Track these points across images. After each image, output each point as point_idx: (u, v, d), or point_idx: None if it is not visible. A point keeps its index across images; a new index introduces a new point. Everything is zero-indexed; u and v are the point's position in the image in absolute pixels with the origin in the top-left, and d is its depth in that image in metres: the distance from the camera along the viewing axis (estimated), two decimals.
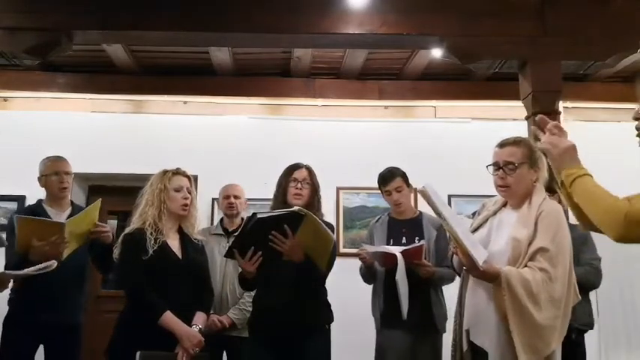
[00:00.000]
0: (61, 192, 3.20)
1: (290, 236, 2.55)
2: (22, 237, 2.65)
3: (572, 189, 1.62)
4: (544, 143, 1.76)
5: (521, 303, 2.06)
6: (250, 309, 3.00)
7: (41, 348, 3.15)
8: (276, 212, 2.58)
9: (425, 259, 3.05)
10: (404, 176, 3.28)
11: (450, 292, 3.03)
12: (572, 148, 1.72)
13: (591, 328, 3.33)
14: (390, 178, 3.25)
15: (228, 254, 2.68)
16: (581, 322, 3.19)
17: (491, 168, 2.33)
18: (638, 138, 1.61)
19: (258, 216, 2.49)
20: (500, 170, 2.29)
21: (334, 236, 2.67)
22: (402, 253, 2.96)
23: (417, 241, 3.17)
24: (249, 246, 2.58)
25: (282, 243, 2.56)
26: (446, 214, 2.11)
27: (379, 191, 3.37)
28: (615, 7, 3.78)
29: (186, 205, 2.73)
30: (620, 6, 3.78)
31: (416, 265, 3.00)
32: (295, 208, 2.55)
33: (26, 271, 2.24)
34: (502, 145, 2.33)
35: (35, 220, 2.81)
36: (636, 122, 1.60)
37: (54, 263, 2.31)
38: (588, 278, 3.20)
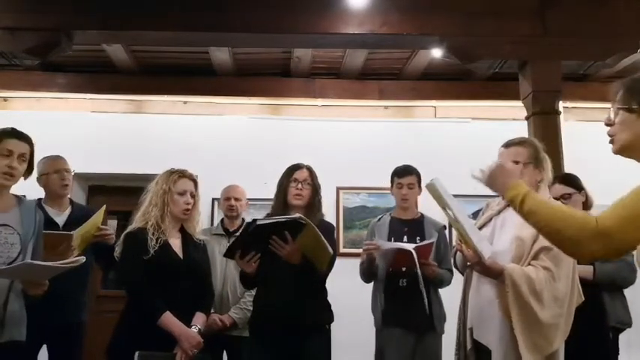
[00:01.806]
0: (62, 189, 3.21)
1: (290, 242, 2.56)
2: None
3: (524, 210, 1.56)
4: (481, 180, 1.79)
5: (524, 300, 2.07)
6: (251, 308, 3.00)
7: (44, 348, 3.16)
8: (276, 219, 2.57)
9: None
10: (419, 176, 3.35)
11: (450, 292, 3.04)
12: (500, 167, 1.74)
13: (630, 326, 3.14)
14: (407, 173, 3.32)
15: (228, 255, 2.69)
16: (618, 321, 3.05)
17: None
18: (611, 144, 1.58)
19: (258, 222, 2.50)
20: None
21: (332, 251, 2.66)
22: (415, 249, 2.96)
23: (418, 241, 3.17)
24: (249, 248, 2.59)
25: (282, 248, 2.57)
26: (454, 208, 2.12)
27: (379, 190, 3.38)
28: (615, 7, 3.79)
29: (187, 209, 2.73)
30: (620, 6, 3.79)
31: (422, 264, 3.00)
32: (296, 215, 2.55)
33: (54, 263, 2.22)
34: (508, 145, 2.33)
35: (51, 234, 2.79)
36: (608, 128, 1.59)
37: (83, 258, 2.31)
38: (621, 274, 2.96)
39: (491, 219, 2.37)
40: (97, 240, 2.94)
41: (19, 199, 2.47)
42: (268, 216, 2.93)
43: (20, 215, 2.40)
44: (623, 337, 3.18)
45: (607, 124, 1.57)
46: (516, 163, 2.26)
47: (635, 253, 1.54)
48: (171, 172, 2.76)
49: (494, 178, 1.72)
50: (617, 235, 1.36)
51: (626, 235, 1.37)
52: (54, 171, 3.19)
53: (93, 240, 2.94)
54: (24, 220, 2.40)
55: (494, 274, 2.13)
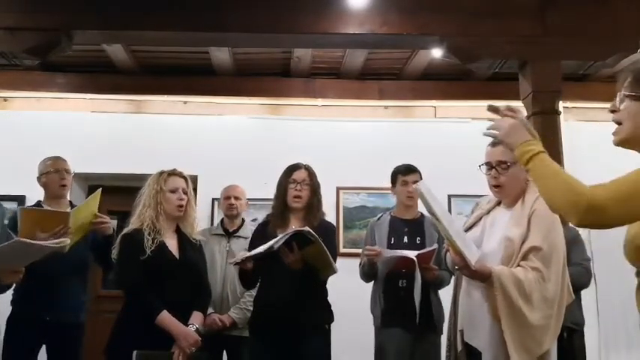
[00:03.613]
0: (60, 189, 3.22)
1: (295, 251, 2.57)
2: (25, 229, 2.61)
3: (529, 167, 1.58)
4: (488, 130, 1.74)
5: (513, 303, 2.06)
6: (251, 308, 3.01)
7: (43, 347, 3.16)
8: (288, 234, 2.56)
9: None
10: (421, 175, 3.36)
11: (447, 293, 3.04)
12: (518, 125, 1.69)
13: (582, 326, 3.30)
14: (411, 171, 3.34)
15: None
16: (572, 321, 3.14)
17: (484, 168, 2.32)
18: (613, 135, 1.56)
19: (275, 248, 2.54)
20: (493, 170, 2.27)
21: (336, 269, 2.71)
22: (417, 257, 2.96)
23: (417, 241, 3.17)
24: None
25: (286, 255, 2.58)
26: (439, 213, 2.10)
27: (379, 190, 3.38)
28: (615, 7, 3.78)
29: (181, 206, 2.74)
30: (620, 6, 3.78)
31: (423, 269, 3.00)
32: (305, 229, 2.56)
33: (42, 242, 2.20)
34: (494, 144, 2.29)
35: (40, 211, 2.80)
36: (612, 115, 1.58)
37: (67, 240, 2.30)
38: (579, 278, 3.16)
39: (480, 218, 2.36)
40: (94, 228, 2.92)
41: None
42: (269, 217, 2.94)
43: None
44: (623, 336, 3.19)
45: (612, 111, 1.55)
46: (504, 162, 2.23)
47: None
48: (161, 172, 2.80)
49: (514, 130, 1.67)
50: (608, 213, 1.38)
51: (617, 213, 1.39)
52: (54, 170, 3.21)
53: (90, 228, 2.92)
54: None
55: (482, 277, 2.11)
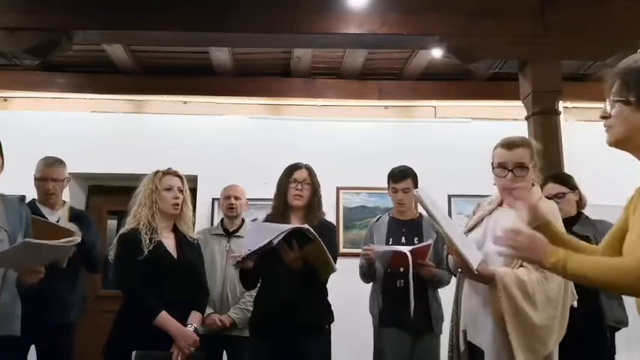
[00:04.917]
0: (46, 197, 3.21)
1: (295, 249, 2.57)
2: (34, 234, 2.61)
3: (569, 272, 1.52)
4: (506, 247, 1.64)
5: (517, 304, 2.05)
6: (251, 308, 3.00)
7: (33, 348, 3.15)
8: (287, 230, 2.54)
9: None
10: (414, 178, 3.29)
11: (446, 293, 3.04)
12: (535, 237, 1.60)
13: (626, 325, 3.12)
14: (402, 177, 3.27)
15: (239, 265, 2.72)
16: (615, 320, 3.03)
17: (497, 170, 2.25)
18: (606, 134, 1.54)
19: (275, 243, 2.52)
20: (510, 173, 2.21)
21: (336, 268, 2.70)
22: (411, 252, 2.96)
23: (416, 242, 3.18)
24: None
25: (287, 253, 2.58)
26: (439, 218, 2.08)
27: (379, 190, 3.37)
28: (615, 7, 3.79)
29: (177, 204, 2.74)
30: (620, 6, 3.79)
31: (419, 265, 3.00)
32: (305, 226, 2.56)
33: (53, 242, 2.18)
34: (509, 146, 2.23)
35: (47, 222, 2.78)
36: (603, 121, 1.56)
37: (78, 238, 2.29)
38: None
39: (482, 219, 2.34)
40: None
41: (1, 196, 2.46)
42: (269, 217, 2.93)
43: (5, 211, 2.37)
44: (623, 336, 3.17)
45: (603, 117, 1.54)
46: (523, 165, 2.20)
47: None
48: (156, 172, 2.79)
49: (529, 250, 1.59)
50: None
51: None
52: (41, 178, 3.19)
53: None
54: (9, 216, 2.37)
55: (485, 280, 2.11)
